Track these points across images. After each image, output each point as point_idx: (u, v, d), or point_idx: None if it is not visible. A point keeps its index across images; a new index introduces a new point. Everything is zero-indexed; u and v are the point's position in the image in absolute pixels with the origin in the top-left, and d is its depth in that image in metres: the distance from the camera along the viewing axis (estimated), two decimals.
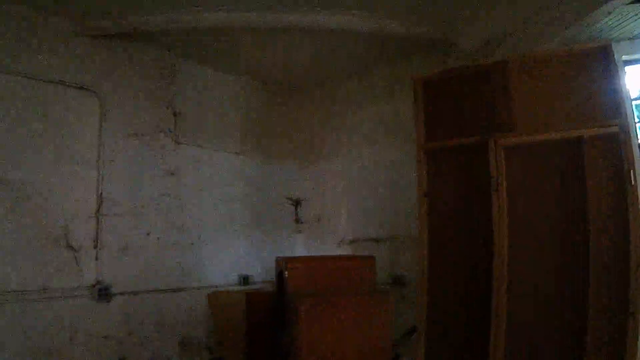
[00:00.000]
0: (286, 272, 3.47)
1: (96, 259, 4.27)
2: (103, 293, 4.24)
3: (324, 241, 5.87)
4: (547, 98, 3.49)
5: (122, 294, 4.38)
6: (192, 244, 5.01)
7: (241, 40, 4.85)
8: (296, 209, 6.14)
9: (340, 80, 5.94)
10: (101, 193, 4.34)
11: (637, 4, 3.38)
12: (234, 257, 5.39)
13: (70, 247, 4.12)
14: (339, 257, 4.34)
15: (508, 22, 4.09)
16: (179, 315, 4.73)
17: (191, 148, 5.14)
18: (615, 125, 3.19)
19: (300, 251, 6.05)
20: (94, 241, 4.27)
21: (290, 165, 6.25)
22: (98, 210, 4.32)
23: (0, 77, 3.86)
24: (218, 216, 5.32)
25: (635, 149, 3.37)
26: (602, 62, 3.33)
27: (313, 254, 5.89)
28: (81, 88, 4.31)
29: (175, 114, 5.02)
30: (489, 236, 3.54)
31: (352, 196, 5.68)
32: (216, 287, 5.04)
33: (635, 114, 3.88)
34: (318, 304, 3.24)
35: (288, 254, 5.84)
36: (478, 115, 3.76)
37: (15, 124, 3.90)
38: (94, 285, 4.21)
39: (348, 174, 5.75)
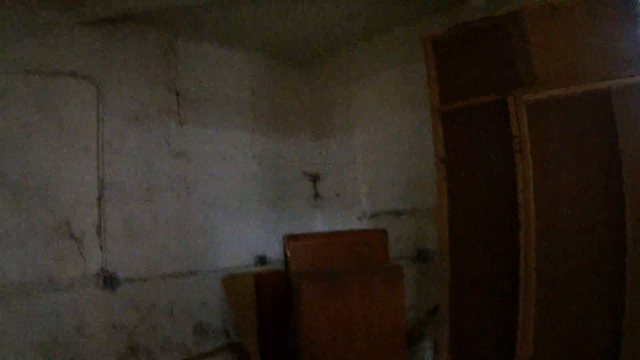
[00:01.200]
0: (288, 251, 3.22)
1: (100, 246, 4.10)
2: (108, 281, 4.08)
3: (344, 216, 5.60)
4: (568, 49, 3.11)
5: (129, 280, 4.21)
6: (203, 226, 4.80)
7: (244, 12, 4.55)
8: (314, 184, 5.89)
9: (350, 47, 5.58)
10: (103, 179, 4.17)
11: None
12: (249, 237, 5.18)
13: (72, 235, 3.97)
14: (348, 232, 4.01)
15: None
16: (191, 300, 4.56)
17: (197, 128, 4.90)
18: None
19: (319, 228, 5.81)
20: (97, 228, 4.11)
21: (306, 140, 5.98)
22: (100, 197, 4.15)
23: None
24: (230, 196, 5.09)
25: None
26: (625, 5, 2.94)
27: (333, 229, 5.64)
28: (75, 75, 4.12)
29: (177, 94, 4.78)
30: (513, 203, 3.23)
31: (371, 168, 5.38)
32: (231, 269, 4.83)
33: None
34: (322, 284, 2.99)
35: (307, 231, 5.63)
36: (495, 71, 3.41)
37: (11, 115, 3.74)
38: (99, 273, 4.05)
39: (366, 145, 5.44)
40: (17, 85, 3.78)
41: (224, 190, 5.05)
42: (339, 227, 5.58)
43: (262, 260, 5.17)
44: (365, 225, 5.31)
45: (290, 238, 3.34)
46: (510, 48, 3.30)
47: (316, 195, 5.89)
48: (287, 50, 5.60)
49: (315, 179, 5.88)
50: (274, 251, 5.23)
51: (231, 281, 4.55)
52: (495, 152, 3.40)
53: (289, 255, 3.23)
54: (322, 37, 5.28)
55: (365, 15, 4.78)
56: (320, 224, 5.84)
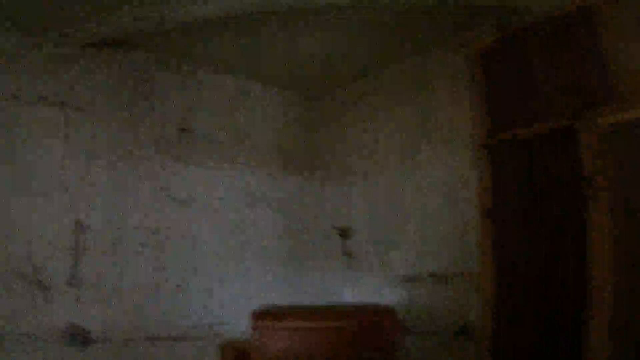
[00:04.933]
0: (253, 336, 2.36)
1: (73, 299, 3.52)
2: (78, 339, 3.48)
3: (376, 279, 4.72)
4: None
5: (104, 340, 3.58)
6: (204, 284, 4.14)
7: (263, 42, 4.04)
8: (344, 240, 5.05)
9: (375, 74, 4.84)
10: (79, 222, 3.62)
11: None
12: (260, 300, 4.39)
13: (40, 283, 3.42)
14: (344, 311, 2.85)
15: None
16: None
17: (200, 169, 4.32)
18: None
19: (349, 292, 4.96)
20: (69, 278, 3.53)
21: (335, 187, 5.19)
22: (76, 243, 3.59)
23: None
24: (238, 251, 4.43)
25: None
26: None
27: (364, 295, 4.78)
28: (46, 101, 3.65)
29: (181, 129, 4.26)
30: (581, 269, 2.33)
31: (410, 220, 4.50)
32: (234, 337, 4.10)
33: None
34: None
35: (334, 295, 4.93)
36: (558, 89, 2.58)
37: None
38: (67, 329, 3.46)
39: (403, 193, 4.58)
40: None
41: (231, 243, 4.41)
42: (369, 292, 4.72)
43: None
44: (401, 290, 4.42)
45: (259, 313, 2.43)
46: (579, 55, 2.49)
47: (345, 253, 5.05)
48: (315, 83, 5.01)
49: (345, 233, 5.05)
50: None
51: (230, 350, 3.80)
52: (560, 199, 2.52)
53: (253, 339, 2.37)
54: (351, 65, 4.65)
55: (394, 36, 4.05)
56: (349, 287, 4.98)
